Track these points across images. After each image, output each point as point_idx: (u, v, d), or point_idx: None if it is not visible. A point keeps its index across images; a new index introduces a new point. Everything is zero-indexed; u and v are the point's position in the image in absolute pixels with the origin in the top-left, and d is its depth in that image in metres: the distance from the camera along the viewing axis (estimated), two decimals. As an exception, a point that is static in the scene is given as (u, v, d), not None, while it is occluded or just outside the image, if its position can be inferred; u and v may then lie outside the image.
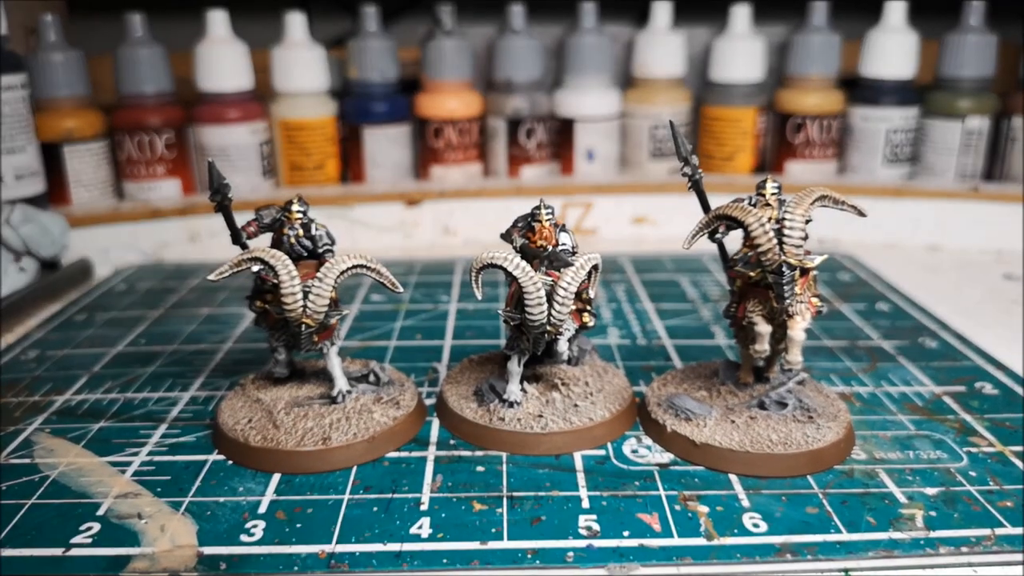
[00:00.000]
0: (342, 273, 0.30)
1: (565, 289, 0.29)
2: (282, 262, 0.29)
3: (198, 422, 0.34)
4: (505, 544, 0.26)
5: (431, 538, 0.26)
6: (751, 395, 0.33)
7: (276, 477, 0.30)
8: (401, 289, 0.32)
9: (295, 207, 0.33)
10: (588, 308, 0.32)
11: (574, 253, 0.31)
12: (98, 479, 0.30)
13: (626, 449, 0.32)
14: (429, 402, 0.36)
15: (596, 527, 0.27)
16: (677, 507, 0.28)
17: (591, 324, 0.32)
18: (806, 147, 0.65)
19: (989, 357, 0.41)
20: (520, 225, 0.32)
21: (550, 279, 0.29)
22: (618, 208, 0.64)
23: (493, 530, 0.27)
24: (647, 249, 0.61)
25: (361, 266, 0.31)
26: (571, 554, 0.26)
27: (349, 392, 0.33)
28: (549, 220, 0.31)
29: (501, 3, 0.66)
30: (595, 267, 0.30)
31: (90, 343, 0.43)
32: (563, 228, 0.32)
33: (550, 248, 0.31)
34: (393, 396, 0.34)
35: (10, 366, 0.40)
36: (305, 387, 0.35)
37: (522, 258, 0.29)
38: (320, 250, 0.33)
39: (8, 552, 0.26)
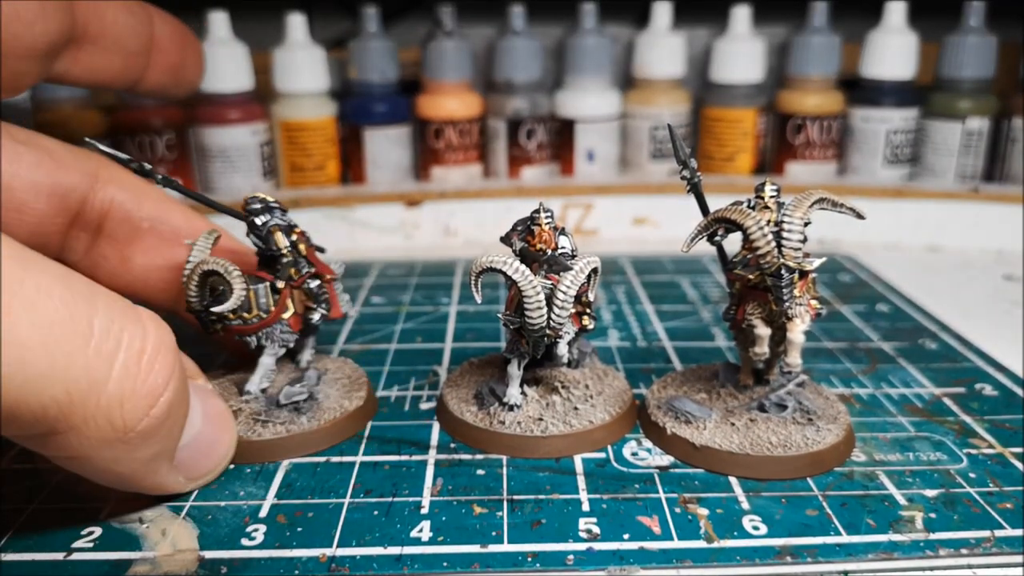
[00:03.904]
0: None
1: (564, 292, 0.29)
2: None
3: (199, 425, 0.34)
4: (505, 547, 0.26)
5: (431, 541, 0.26)
6: (751, 397, 0.33)
7: (277, 480, 0.30)
8: None
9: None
10: (588, 311, 0.32)
11: (573, 256, 0.31)
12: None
13: (626, 452, 0.32)
14: (429, 406, 0.36)
15: (596, 530, 0.27)
16: (677, 510, 0.28)
17: (591, 327, 0.32)
18: (806, 148, 0.65)
19: (989, 358, 0.41)
20: (519, 229, 0.32)
21: (549, 283, 0.30)
22: (618, 209, 0.64)
23: (493, 533, 0.27)
24: (647, 250, 0.61)
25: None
26: (571, 557, 0.26)
27: (263, 391, 0.34)
28: (548, 223, 0.31)
29: (501, 4, 0.66)
30: (595, 270, 0.30)
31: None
32: (563, 231, 0.32)
33: (549, 251, 0.31)
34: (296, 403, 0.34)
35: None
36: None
37: (521, 262, 0.29)
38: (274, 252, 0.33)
39: (9, 556, 0.26)
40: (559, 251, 0.31)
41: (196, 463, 0.28)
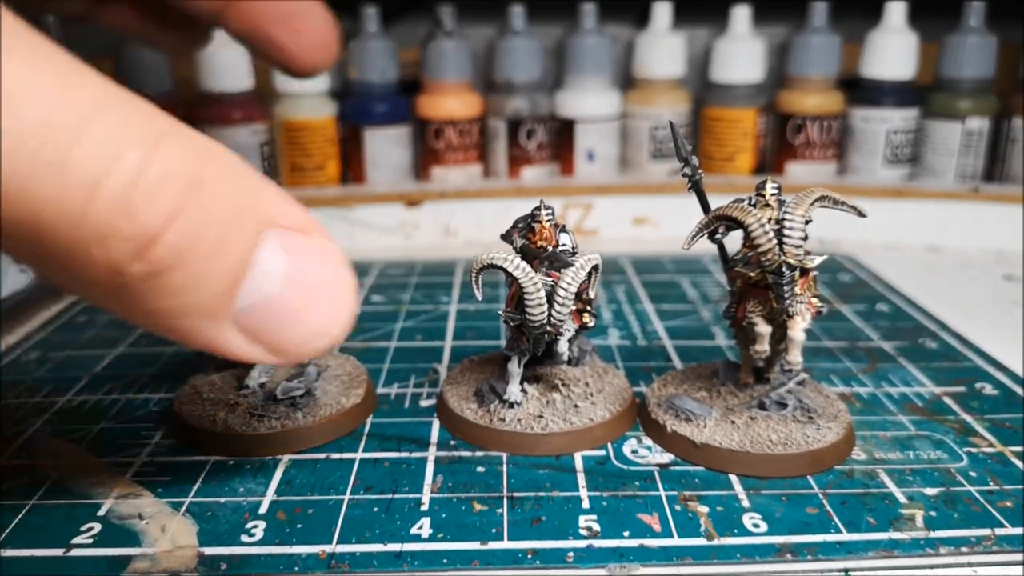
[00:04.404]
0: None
1: (565, 290, 0.29)
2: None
3: (199, 423, 0.34)
4: (505, 544, 0.26)
5: (431, 538, 0.26)
6: (751, 396, 0.33)
7: (277, 476, 0.30)
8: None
9: None
10: (588, 309, 0.32)
11: (574, 254, 0.31)
12: (99, 480, 0.30)
13: (626, 449, 0.32)
14: (429, 403, 0.36)
15: (596, 527, 0.27)
16: (677, 507, 0.28)
17: (591, 325, 0.32)
18: (806, 148, 0.65)
19: (989, 358, 0.41)
20: (520, 226, 0.32)
21: (550, 280, 0.30)
22: (618, 209, 0.64)
23: (493, 530, 0.27)
24: (647, 250, 0.61)
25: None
26: (571, 554, 0.26)
27: (261, 386, 0.34)
28: (549, 221, 0.31)
29: (501, 4, 0.66)
30: (595, 267, 0.30)
31: (91, 344, 0.43)
32: (563, 229, 0.32)
33: (550, 249, 0.31)
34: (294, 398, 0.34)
35: (11, 367, 0.40)
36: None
37: (522, 259, 0.29)
38: None
39: (9, 552, 0.26)
40: (560, 248, 0.31)
41: (270, 332, 0.22)
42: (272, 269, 0.22)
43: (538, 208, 0.31)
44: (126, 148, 0.19)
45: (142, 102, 0.20)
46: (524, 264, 0.29)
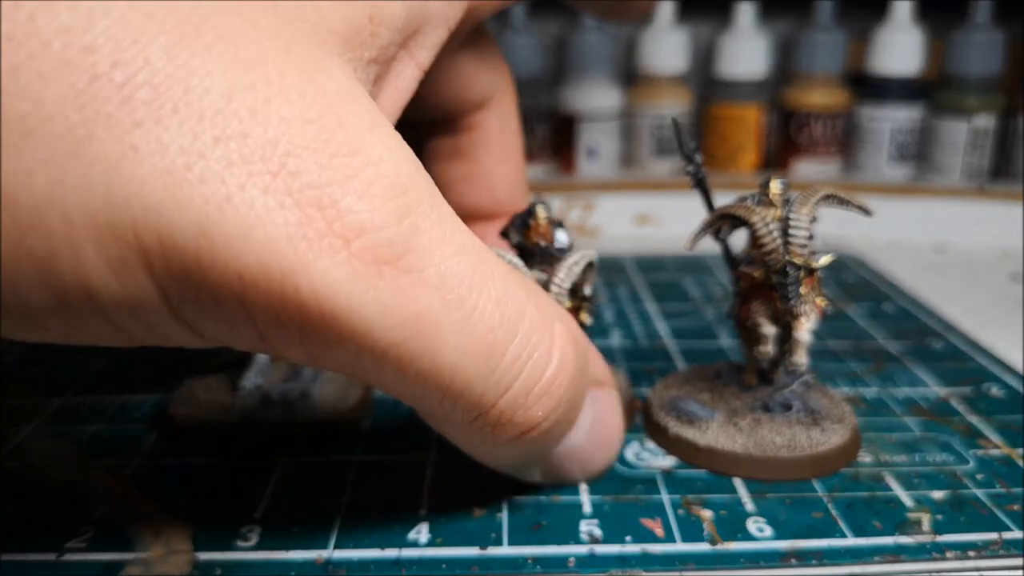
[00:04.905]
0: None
1: (559, 285, 0.29)
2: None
3: (195, 424, 0.34)
4: (505, 550, 0.26)
5: (430, 544, 0.26)
6: (755, 397, 0.33)
7: (273, 479, 0.30)
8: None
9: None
10: (586, 305, 0.32)
11: (570, 251, 0.31)
12: (94, 482, 0.30)
13: (628, 453, 0.32)
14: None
15: (598, 532, 0.27)
16: (680, 512, 0.28)
17: (589, 323, 0.32)
18: (811, 145, 0.65)
19: (996, 359, 0.40)
20: (516, 222, 0.32)
21: (545, 276, 0.29)
22: (620, 207, 0.64)
23: (493, 535, 0.26)
24: (650, 249, 0.60)
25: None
26: (573, 560, 0.25)
27: (257, 388, 0.33)
28: (545, 217, 0.31)
29: (503, 0, 0.65)
30: (591, 264, 0.30)
31: (89, 345, 0.43)
32: (560, 225, 0.31)
33: (544, 244, 0.30)
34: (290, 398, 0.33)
35: (8, 368, 0.40)
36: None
37: (519, 255, 0.29)
38: None
39: (1, 557, 0.25)
40: (557, 245, 0.30)
41: (561, 470, 0.27)
42: (583, 425, 0.25)
43: (534, 204, 0.31)
44: (535, 348, 0.21)
45: (533, 284, 0.23)
46: (519, 260, 0.29)
